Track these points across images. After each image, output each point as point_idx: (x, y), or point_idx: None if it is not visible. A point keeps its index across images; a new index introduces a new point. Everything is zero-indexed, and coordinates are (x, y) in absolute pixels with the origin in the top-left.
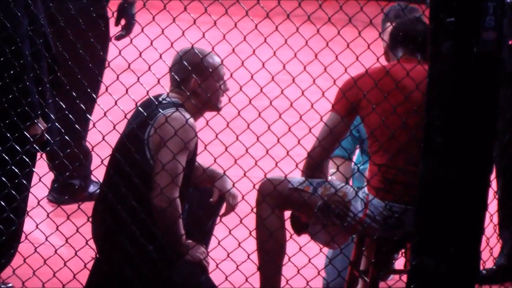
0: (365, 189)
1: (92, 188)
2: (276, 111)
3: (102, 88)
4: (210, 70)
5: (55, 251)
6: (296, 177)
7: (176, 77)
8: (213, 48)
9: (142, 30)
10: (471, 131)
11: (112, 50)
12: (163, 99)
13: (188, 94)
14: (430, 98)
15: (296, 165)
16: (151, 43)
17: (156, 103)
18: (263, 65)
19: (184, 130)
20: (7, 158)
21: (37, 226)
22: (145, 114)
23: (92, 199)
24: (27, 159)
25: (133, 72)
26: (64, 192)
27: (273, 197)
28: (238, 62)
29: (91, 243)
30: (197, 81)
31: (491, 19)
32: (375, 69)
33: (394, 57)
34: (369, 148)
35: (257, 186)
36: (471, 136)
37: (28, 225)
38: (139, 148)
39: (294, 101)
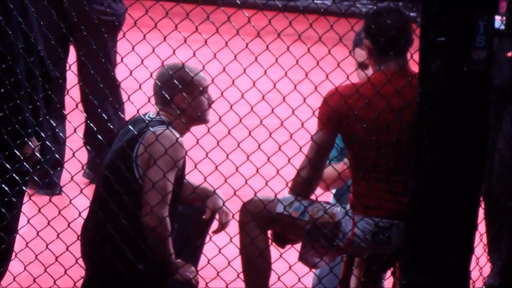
0: (348, 207)
1: None
2: (267, 129)
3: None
4: (193, 83)
5: (45, 270)
6: (283, 196)
7: (161, 95)
8: (203, 67)
9: (133, 48)
10: (461, 150)
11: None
12: (150, 117)
13: (176, 110)
14: (420, 117)
15: (286, 184)
16: (142, 62)
17: (146, 120)
18: (254, 83)
19: (173, 148)
20: None
21: (26, 244)
22: (135, 132)
23: None
24: (17, 178)
25: (123, 91)
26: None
27: (259, 218)
28: (229, 81)
29: (81, 261)
30: (182, 97)
31: (482, 39)
32: (347, 86)
33: (375, 64)
34: (352, 168)
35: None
36: (461, 154)
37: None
38: (128, 166)
39: (284, 120)
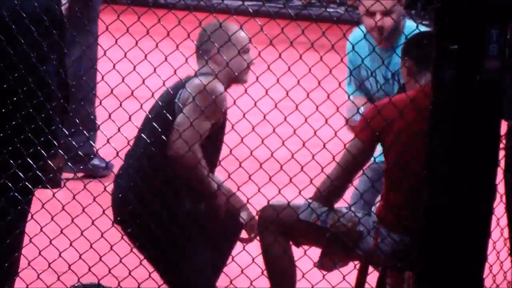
0: (374, 217)
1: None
2: (279, 138)
3: (105, 116)
4: (236, 43)
5: (58, 278)
6: (300, 203)
7: (200, 53)
8: (216, 75)
9: (146, 57)
10: (474, 160)
11: (115, 77)
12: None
13: (214, 68)
14: (432, 127)
15: (299, 192)
16: (154, 70)
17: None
18: (267, 92)
19: (214, 96)
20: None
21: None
22: (182, 80)
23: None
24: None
25: (136, 99)
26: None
27: (278, 224)
28: (242, 89)
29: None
30: (220, 55)
31: (494, 47)
32: (399, 98)
33: (415, 83)
34: (385, 180)
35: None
36: (474, 164)
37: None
38: (169, 106)
39: (297, 128)
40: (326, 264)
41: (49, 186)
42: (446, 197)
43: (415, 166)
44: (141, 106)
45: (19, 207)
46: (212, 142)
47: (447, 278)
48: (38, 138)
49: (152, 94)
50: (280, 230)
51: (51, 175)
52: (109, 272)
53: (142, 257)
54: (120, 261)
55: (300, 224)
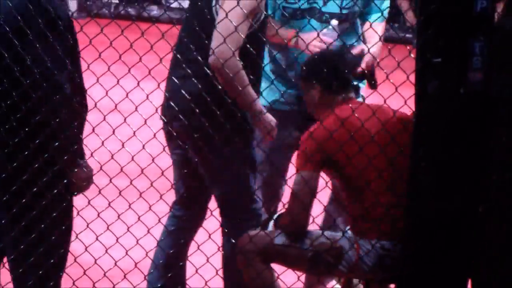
0: (351, 233)
1: None
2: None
3: (89, 130)
4: None
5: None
6: (276, 233)
7: None
8: None
9: (129, 70)
10: (458, 171)
11: (99, 90)
12: None
13: None
14: (416, 138)
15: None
16: (138, 84)
17: None
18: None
19: None
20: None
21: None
22: None
23: None
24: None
25: (119, 113)
26: None
27: (258, 253)
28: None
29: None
30: None
31: (478, 60)
32: (331, 121)
33: (329, 102)
34: (346, 193)
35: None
36: (458, 176)
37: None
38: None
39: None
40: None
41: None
42: (429, 208)
43: (372, 174)
44: (125, 119)
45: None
46: (254, 46)
47: None
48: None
49: (136, 108)
50: (263, 258)
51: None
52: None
53: None
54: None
55: (279, 249)
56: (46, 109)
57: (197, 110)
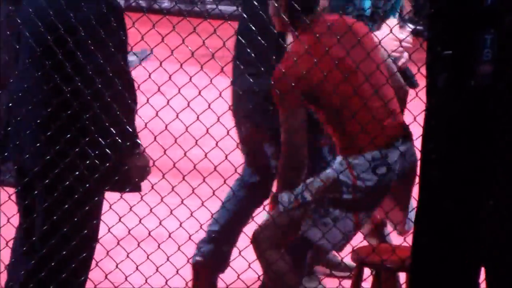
0: (340, 158)
1: None
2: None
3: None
4: None
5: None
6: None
7: None
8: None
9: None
10: (468, 164)
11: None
12: None
13: None
14: (426, 131)
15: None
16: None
17: None
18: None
19: None
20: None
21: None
22: None
23: None
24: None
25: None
26: None
27: (271, 239)
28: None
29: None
30: None
31: (488, 52)
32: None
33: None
34: (328, 120)
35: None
36: (467, 169)
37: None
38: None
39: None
40: (312, 232)
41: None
42: (439, 201)
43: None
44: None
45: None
46: None
47: (441, 285)
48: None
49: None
50: (276, 243)
51: (136, 179)
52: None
53: None
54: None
55: (284, 224)
56: (99, 104)
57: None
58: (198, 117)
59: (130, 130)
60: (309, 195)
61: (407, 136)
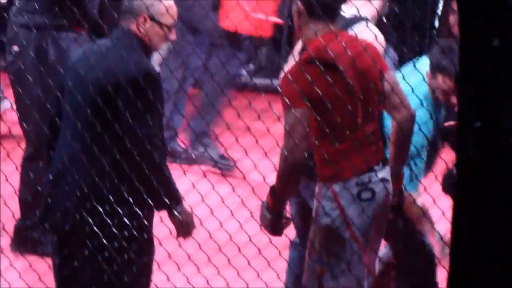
0: (330, 192)
1: None
2: None
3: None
4: None
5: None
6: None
7: None
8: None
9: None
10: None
11: None
12: None
13: None
14: (458, 199)
15: None
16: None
17: None
18: None
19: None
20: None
21: None
22: None
23: None
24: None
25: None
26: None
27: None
28: None
29: None
30: None
31: None
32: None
33: (309, 30)
34: (319, 134)
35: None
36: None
37: None
38: None
39: None
40: None
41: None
42: (476, 200)
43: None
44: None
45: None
46: None
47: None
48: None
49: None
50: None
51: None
52: None
53: None
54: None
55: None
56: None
57: None
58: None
59: (171, 187)
60: (316, 254)
61: (386, 161)
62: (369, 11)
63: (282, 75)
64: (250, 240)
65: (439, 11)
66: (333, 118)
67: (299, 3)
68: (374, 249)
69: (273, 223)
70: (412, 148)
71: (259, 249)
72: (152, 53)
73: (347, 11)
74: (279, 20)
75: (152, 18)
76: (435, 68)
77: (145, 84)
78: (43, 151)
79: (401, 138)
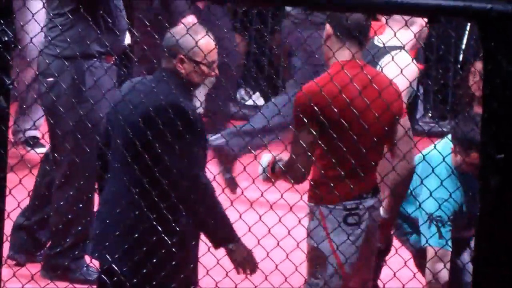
0: (318, 213)
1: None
2: None
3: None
4: None
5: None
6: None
7: None
8: None
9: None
10: None
11: None
12: None
13: None
14: (480, 232)
15: None
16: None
17: None
18: None
19: None
20: None
21: None
22: None
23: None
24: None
25: None
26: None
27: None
28: None
29: None
30: None
31: None
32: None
33: (339, 55)
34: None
35: None
36: None
37: None
38: None
39: None
40: None
41: None
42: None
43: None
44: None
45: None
46: None
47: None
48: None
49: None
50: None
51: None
52: None
53: None
54: None
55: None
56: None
57: None
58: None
59: (227, 224)
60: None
61: (376, 192)
62: (407, 38)
63: (300, 91)
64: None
65: (463, 46)
66: (340, 145)
67: (328, 25)
68: (362, 275)
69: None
70: (440, 213)
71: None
72: (194, 90)
73: (383, 38)
74: None
75: (190, 58)
76: (470, 144)
77: (186, 124)
78: (75, 179)
79: (398, 187)
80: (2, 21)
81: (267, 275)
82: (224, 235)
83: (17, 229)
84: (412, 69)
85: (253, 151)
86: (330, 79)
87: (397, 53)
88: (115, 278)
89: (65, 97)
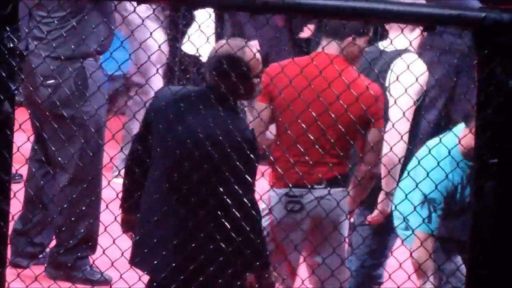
0: (267, 195)
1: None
2: None
3: None
4: None
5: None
6: None
7: None
8: None
9: None
10: None
11: None
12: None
13: None
14: (474, 235)
15: None
16: None
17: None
18: None
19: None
20: None
21: None
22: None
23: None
24: None
25: None
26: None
27: None
28: None
29: None
30: None
31: None
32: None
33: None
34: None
35: None
36: None
37: None
38: None
39: None
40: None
41: None
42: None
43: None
44: None
45: None
46: None
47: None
48: None
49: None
50: None
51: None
52: None
53: None
54: None
55: None
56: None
57: None
58: None
59: (265, 251)
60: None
61: (333, 183)
62: (413, 39)
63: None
64: None
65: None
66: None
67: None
68: (309, 261)
69: None
70: (435, 194)
71: None
72: (237, 102)
73: (396, 44)
74: None
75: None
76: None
77: (245, 148)
78: (85, 180)
79: (361, 188)
80: (7, 28)
81: None
82: (266, 260)
83: (16, 234)
84: (423, 71)
85: None
86: (291, 61)
87: (407, 56)
88: None
89: (69, 98)
